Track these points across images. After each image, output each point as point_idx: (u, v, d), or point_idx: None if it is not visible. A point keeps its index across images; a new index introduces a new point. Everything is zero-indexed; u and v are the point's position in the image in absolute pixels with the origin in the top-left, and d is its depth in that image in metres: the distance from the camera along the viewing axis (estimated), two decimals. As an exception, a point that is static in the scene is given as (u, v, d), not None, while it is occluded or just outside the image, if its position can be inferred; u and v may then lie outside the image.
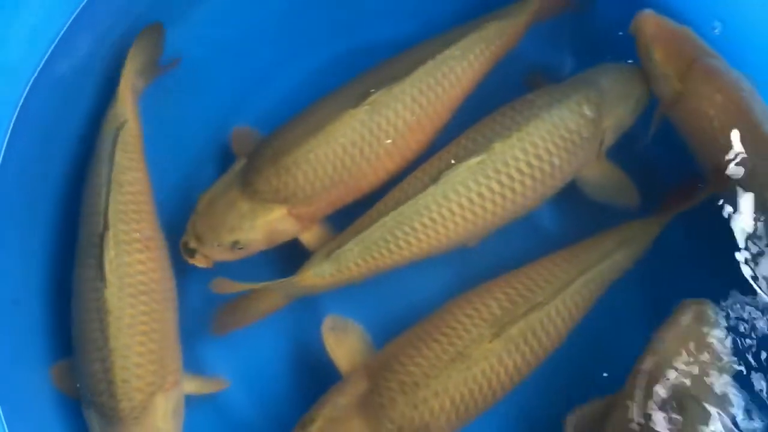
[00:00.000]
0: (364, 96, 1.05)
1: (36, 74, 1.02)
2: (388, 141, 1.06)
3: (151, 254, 1.04)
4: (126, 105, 1.09)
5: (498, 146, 1.02)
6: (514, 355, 0.98)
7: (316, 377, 1.09)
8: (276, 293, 1.06)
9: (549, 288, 1.01)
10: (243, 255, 1.07)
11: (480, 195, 1.02)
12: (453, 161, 1.03)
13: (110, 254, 1.00)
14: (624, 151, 1.12)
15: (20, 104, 1.01)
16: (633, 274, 1.08)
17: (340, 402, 0.98)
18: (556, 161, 1.04)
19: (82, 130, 1.11)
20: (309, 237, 1.09)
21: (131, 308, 1.00)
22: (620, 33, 1.09)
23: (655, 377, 0.95)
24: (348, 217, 1.09)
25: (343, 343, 1.04)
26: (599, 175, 1.10)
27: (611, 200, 1.11)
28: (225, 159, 1.15)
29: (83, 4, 1.04)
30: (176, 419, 1.02)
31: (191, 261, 1.05)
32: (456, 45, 1.09)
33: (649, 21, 1.06)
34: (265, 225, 1.05)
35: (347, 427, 0.96)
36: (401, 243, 1.03)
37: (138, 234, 1.04)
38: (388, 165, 1.07)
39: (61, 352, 1.05)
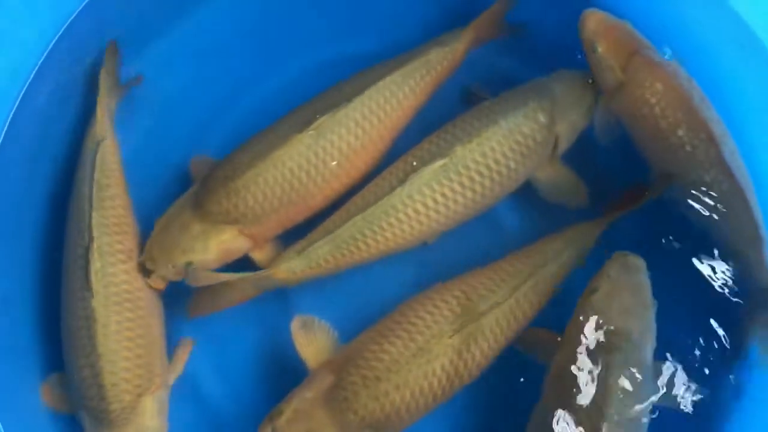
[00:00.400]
0: (309, 121, 1.09)
1: (17, 102, 1.06)
2: (334, 163, 1.09)
3: (133, 264, 1.07)
4: (103, 124, 1.12)
5: (459, 150, 1.07)
6: (473, 349, 1.02)
7: (286, 371, 1.11)
8: (249, 284, 1.10)
9: (505, 287, 1.06)
10: (199, 276, 1.09)
11: (443, 195, 1.07)
12: (416, 164, 1.08)
13: (96, 265, 1.04)
14: (577, 155, 1.16)
15: (5, 130, 1.05)
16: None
17: (307, 396, 1.01)
18: (512, 164, 1.09)
19: (65, 149, 1.14)
20: (260, 255, 1.12)
21: (117, 315, 1.04)
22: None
23: (589, 323, 1.01)
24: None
25: (311, 341, 1.07)
26: (552, 177, 1.15)
27: (562, 201, 1.16)
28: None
29: (60, 33, 1.08)
30: (162, 416, 1.05)
31: (147, 281, 1.07)
32: (397, 71, 1.13)
33: (592, 17, 1.11)
34: (217, 245, 1.08)
35: (313, 419, 1.00)
36: (369, 241, 1.08)
37: (121, 245, 1.07)
38: (335, 186, 1.11)
39: (51, 350, 1.08)
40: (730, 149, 1.06)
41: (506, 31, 1.21)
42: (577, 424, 0.96)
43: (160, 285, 1.08)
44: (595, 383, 0.98)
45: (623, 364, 0.98)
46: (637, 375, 0.98)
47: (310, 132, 1.08)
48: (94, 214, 1.07)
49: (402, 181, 1.07)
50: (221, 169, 1.10)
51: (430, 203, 1.07)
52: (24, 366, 1.09)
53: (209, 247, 1.08)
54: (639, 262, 1.05)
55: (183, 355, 1.09)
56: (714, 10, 1.13)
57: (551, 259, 1.09)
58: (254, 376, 1.16)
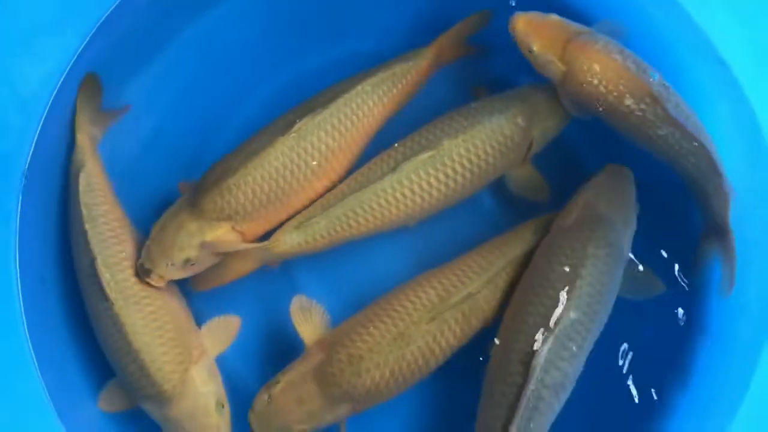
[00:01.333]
0: (291, 125, 1.17)
1: (36, 134, 1.15)
2: (314, 163, 1.18)
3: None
4: (83, 149, 1.19)
5: (446, 144, 1.18)
6: (447, 334, 1.12)
7: (285, 347, 1.23)
8: (250, 257, 1.18)
9: (478, 279, 1.15)
10: (195, 270, 1.17)
11: (428, 183, 1.17)
12: (407, 153, 1.18)
13: (106, 277, 1.12)
14: (544, 157, 1.26)
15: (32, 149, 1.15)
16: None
17: (300, 370, 1.11)
18: (491, 160, 1.19)
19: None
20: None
21: (140, 313, 1.12)
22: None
23: (579, 211, 1.15)
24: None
25: (307, 319, 1.16)
26: (522, 175, 1.25)
27: (527, 195, 1.27)
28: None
29: (69, 68, 1.17)
30: (213, 380, 1.14)
31: (146, 280, 1.14)
32: (366, 82, 1.23)
33: (520, 20, 1.18)
34: (212, 241, 1.15)
35: (304, 390, 1.10)
36: (360, 219, 1.18)
37: (123, 254, 1.15)
38: (316, 185, 1.20)
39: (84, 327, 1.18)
40: (675, 103, 1.13)
41: (468, 52, 1.31)
42: (555, 281, 1.09)
43: (160, 283, 1.14)
44: (576, 253, 1.10)
45: (603, 239, 1.11)
46: (613, 254, 1.11)
47: (292, 135, 1.17)
48: (90, 233, 1.14)
49: (393, 169, 1.17)
50: (214, 172, 1.18)
51: (416, 189, 1.18)
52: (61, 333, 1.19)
53: (205, 243, 1.15)
54: (627, 172, 1.18)
55: (229, 331, 1.18)
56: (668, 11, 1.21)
57: (521, 250, 1.18)
58: (258, 350, 1.27)
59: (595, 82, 1.14)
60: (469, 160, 1.18)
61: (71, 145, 1.20)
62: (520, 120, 1.21)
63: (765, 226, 1.17)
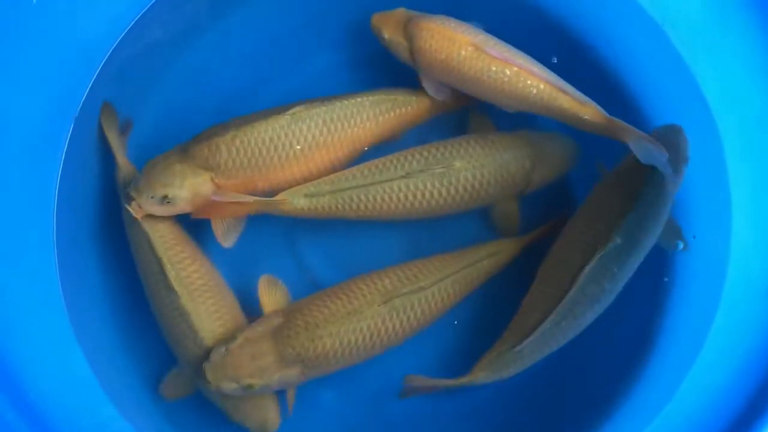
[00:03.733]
0: (289, 108, 1.28)
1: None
2: (298, 147, 1.27)
3: (199, 264, 1.27)
4: (128, 168, 1.31)
5: (458, 164, 1.28)
6: (395, 320, 1.22)
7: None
8: (254, 204, 1.26)
9: (431, 277, 1.25)
10: (170, 210, 1.26)
11: (431, 193, 1.28)
12: (422, 163, 1.28)
13: (172, 274, 1.23)
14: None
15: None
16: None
17: (258, 329, 1.20)
18: (491, 190, 1.30)
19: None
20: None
21: (203, 305, 1.24)
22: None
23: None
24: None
25: (271, 294, 1.26)
26: (505, 208, 1.35)
27: (499, 226, 1.37)
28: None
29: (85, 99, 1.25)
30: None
31: (128, 207, 1.24)
32: (367, 96, 1.33)
33: (373, 17, 1.34)
34: (190, 185, 1.25)
35: (259, 347, 1.19)
36: (362, 206, 1.27)
37: (184, 253, 1.26)
38: (294, 168, 1.29)
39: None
40: (494, 44, 1.25)
41: (472, 103, 1.37)
42: (611, 209, 1.18)
43: (139, 213, 1.24)
44: (633, 186, 1.18)
45: (659, 180, 1.17)
46: (663, 194, 1.18)
47: (287, 116, 1.27)
48: (152, 238, 1.25)
49: (407, 173, 1.27)
50: (212, 128, 1.28)
51: (419, 196, 1.28)
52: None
53: (184, 184, 1.25)
54: (679, 128, 1.22)
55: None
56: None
57: (472, 264, 1.29)
58: None
59: (426, 46, 1.28)
60: (473, 185, 1.29)
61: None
62: (527, 163, 1.31)
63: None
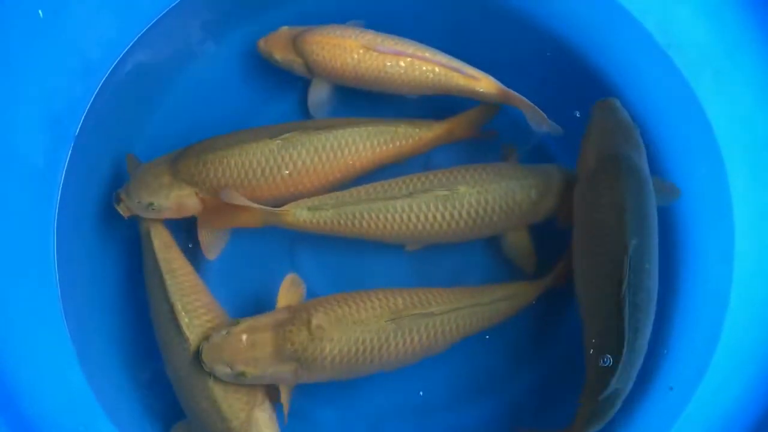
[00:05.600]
0: (282, 132, 1.27)
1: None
2: (286, 172, 1.27)
3: (212, 315, 1.25)
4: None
5: (462, 190, 1.26)
6: (398, 339, 1.20)
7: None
8: (258, 215, 1.27)
9: (443, 306, 1.24)
10: (155, 216, 1.28)
11: (434, 216, 1.26)
12: (426, 185, 1.27)
13: (185, 321, 1.22)
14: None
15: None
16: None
17: (262, 320, 1.20)
18: (495, 218, 1.28)
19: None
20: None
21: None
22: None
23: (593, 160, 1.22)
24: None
25: (289, 292, 1.26)
26: (516, 238, 1.33)
27: (514, 259, 1.34)
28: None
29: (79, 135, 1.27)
30: (274, 425, 1.22)
31: (116, 207, 1.27)
32: (365, 126, 1.32)
33: (259, 42, 1.36)
34: (176, 197, 1.27)
35: (260, 336, 1.18)
36: (364, 224, 1.27)
37: (198, 302, 1.25)
38: (282, 190, 1.29)
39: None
40: (418, 49, 1.30)
41: (478, 135, 1.37)
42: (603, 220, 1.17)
43: (125, 213, 1.27)
44: (613, 192, 1.18)
45: (627, 173, 1.18)
46: (640, 179, 1.18)
47: (278, 141, 1.27)
48: (168, 283, 1.25)
49: (410, 193, 1.27)
50: (202, 144, 1.29)
51: (422, 218, 1.26)
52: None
53: (170, 196, 1.27)
54: (612, 102, 1.25)
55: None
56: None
57: (488, 303, 1.27)
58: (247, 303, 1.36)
59: (319, 58, 1.32)
60: (476, 211, 1.27)
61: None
62: (533, 193, 1.29)
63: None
